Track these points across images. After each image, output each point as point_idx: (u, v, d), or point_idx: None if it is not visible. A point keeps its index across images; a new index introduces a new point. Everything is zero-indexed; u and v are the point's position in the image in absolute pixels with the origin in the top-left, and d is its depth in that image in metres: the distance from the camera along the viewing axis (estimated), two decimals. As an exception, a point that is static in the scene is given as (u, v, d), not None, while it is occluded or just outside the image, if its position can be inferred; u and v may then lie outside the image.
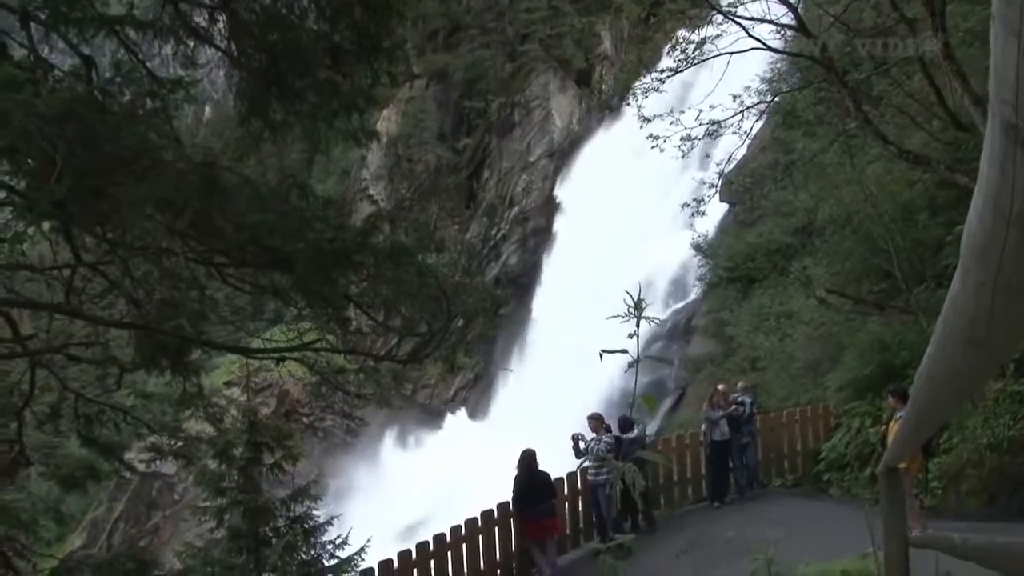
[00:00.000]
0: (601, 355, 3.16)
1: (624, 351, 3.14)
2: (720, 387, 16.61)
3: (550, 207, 40.43)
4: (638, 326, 3.05)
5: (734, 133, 18.50)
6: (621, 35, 42.88)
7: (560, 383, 31.67)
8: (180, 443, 11.58)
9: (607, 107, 40.81)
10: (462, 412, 40.31)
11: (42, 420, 10.04)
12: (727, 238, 24.13)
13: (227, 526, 13.22)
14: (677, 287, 27.58)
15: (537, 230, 41.01)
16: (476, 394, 41.55)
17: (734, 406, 15.84)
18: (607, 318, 3.23)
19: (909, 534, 4.24)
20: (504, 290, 42.60)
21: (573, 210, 38.54)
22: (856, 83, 15.61)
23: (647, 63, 21.61)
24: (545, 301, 37.01)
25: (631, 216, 32.52)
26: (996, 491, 12.50)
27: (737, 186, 22.23)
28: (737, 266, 22.68)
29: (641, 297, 3.13)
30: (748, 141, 19.68)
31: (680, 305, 26.96)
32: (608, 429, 14.62)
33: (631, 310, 3.07)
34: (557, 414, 30.26)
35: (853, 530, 7.22)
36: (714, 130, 18.77)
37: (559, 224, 39.15)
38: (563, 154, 40.95)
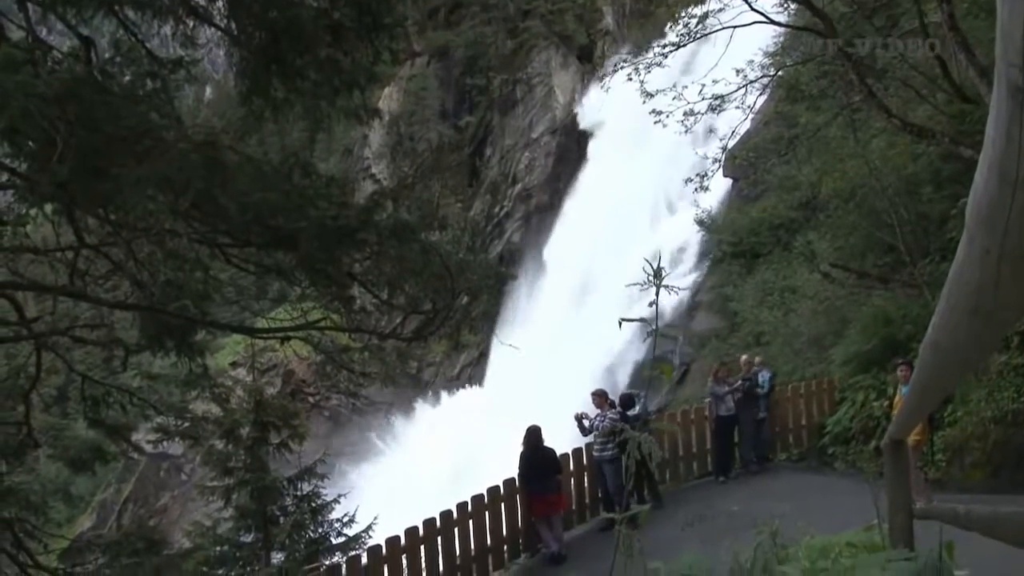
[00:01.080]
0: (620, 323, 3.14)
1: (643, 320, 3.12)
2: (744, 358, 16.64)
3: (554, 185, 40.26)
4: (657, 295, 3.02)
5: (737, 107, 18.42)
6: (623, 11, 42.53)
7: (564, 358, 31.68)
8: (187, 423, 11.64)
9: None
10: (467, 388, 40.45)
11: (49, 402, 10.10)
12: (731, 213, 24.02)
13: (235, 505, 13.32)
14: (678, 260, 27.51)
15: (540, 207, 40.88)
16: (481, 370, 41.64)
17: (739, 382, 15.86)
18: (627, 285, 3.20)
19: (914, 506, 4.25)
20: (508, 267, 42.58)
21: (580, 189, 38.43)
22: (860, 56, 15.49)
23: (649, 38, 21.49)
24: (549, 280, 36.96)
25: (639, 193, 32.45)
26: (1000, 464, 12.53)
27: (740, 161, 22.14)
28: (741, 241, 22.60)
29: (661, 266, 3.09)
30: (752, 115, 19.59)
31: (684, 280, 26.89)
32: (613, 405, 14.66)
33: (650, 279, 3.04)
34: (561, 388, 30.29)
35: (858, 503, 7.24)
36: (717, 104, 18.70)
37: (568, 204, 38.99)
38: (566, 130, 40.73)
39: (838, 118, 17.58)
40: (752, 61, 18.85)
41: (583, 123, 40.17)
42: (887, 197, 16.21)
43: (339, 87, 6.77)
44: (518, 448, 13.88)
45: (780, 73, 19.50)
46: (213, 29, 6.95)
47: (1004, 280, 1.15)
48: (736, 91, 18.32)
